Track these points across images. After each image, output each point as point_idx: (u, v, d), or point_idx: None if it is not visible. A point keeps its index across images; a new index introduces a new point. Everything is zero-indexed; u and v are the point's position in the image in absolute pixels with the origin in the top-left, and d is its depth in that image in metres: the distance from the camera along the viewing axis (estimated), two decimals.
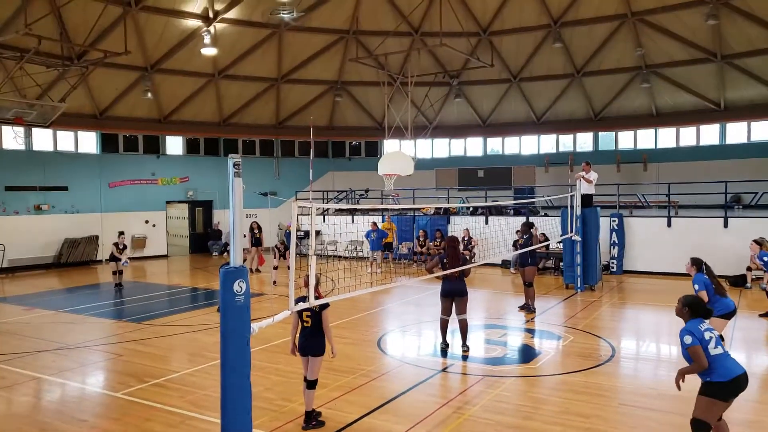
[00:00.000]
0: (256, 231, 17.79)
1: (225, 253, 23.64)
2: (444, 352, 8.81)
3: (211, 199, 25.36)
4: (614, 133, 26.83)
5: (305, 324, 6.01)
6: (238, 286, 4.43)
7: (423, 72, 24.11)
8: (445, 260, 8.71)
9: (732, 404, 4.83)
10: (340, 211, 22.63)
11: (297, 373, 7.25)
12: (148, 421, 6.35)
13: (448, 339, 8.95)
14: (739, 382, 4.71)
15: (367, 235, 18.43)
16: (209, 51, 20.67)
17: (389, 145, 27.90)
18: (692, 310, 4.97)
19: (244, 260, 7.58)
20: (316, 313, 5.94)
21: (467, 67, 25.28)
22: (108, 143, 23.00)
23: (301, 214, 20.71)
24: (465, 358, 8.55)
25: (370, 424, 6.19)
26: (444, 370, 8.13)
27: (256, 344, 8.43)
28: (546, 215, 19.43)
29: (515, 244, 17.83)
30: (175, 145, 25.13)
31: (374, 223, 18.61)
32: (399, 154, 21.89)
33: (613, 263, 16.88)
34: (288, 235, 19.38)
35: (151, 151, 24.13)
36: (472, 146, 29.40)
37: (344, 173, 28.64)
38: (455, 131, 28.53)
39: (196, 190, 24.87)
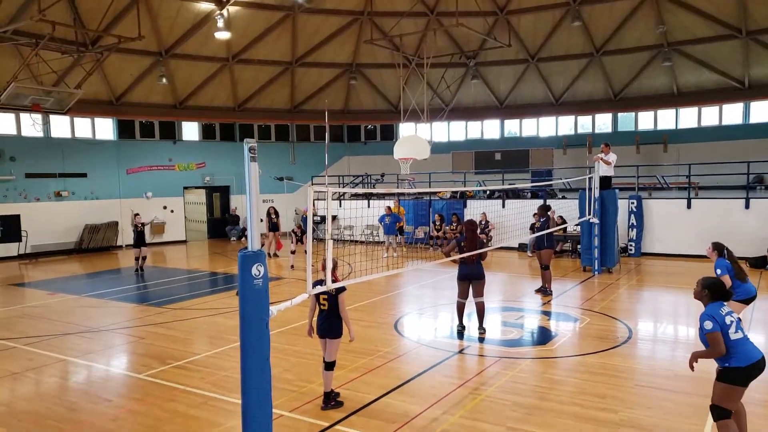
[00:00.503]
0: (273, 216, 17.93)
1: (243, 238, 23.89)
2: (461, 334, 8.86)
3: (228, 184, 25.55)
4: (634, 113, 26.38)
5: (322, 307, 6.08)
6: (256, 270, 4.48)
7: (439, 53, 23.89)
8: (462, 243, 8.74)
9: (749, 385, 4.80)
10: (356, 196, 22.68)
11: (315, 354, 7.37)
12: (171, 401, 6.51)
13: (465, 322, 9.00)
14: (758, 366, 4.64)
15: (381, 220, 18.48)
16: (223, 35, 20.67)
17: (405, 129, 27.81)
18: (712, 292, 4.86)
19: (262, 245, 7.65)
20: (333, 297, 5.99)
21: (484, 47, 24.98)
22: (124, 130, 23.22)
23: (317, 199, 20.85)
24: (481, 340, 8.59)
25: (387, 404, 6.27)
26: (461, 351, 8.18)
27: (275, 327, 8.56)
28: (564, 198, 19.28)
29: (532, 228, 17.75)
30: (191, 130, 25.28)
31: (388, 208, 18.65)
32: (415, 138, 21.81)
33: (631, 245, 16.73)
34: (305, 219, 19.51)
35: (167, 137, 24.33)
36: (489, 128, 29.14)
37: (360, 158, 28.62)
38: (472, 113, 28.29)
39: (213, 176, 25.07)
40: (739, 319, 4.87)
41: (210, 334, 9.41)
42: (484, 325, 8.82)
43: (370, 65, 26.28)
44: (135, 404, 6.52)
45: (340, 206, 22.53)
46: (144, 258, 16.12)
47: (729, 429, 4.63)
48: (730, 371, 4.63)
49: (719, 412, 4.67)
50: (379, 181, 24.68)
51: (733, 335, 4.63)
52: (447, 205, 20.58)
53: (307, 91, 26.40)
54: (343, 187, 24.45)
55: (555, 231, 16.32)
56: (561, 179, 20.19)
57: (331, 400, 6.16)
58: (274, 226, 17.88)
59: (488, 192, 21.63)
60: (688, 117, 25.31)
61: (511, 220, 17.78)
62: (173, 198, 23.98)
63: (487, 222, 18.41)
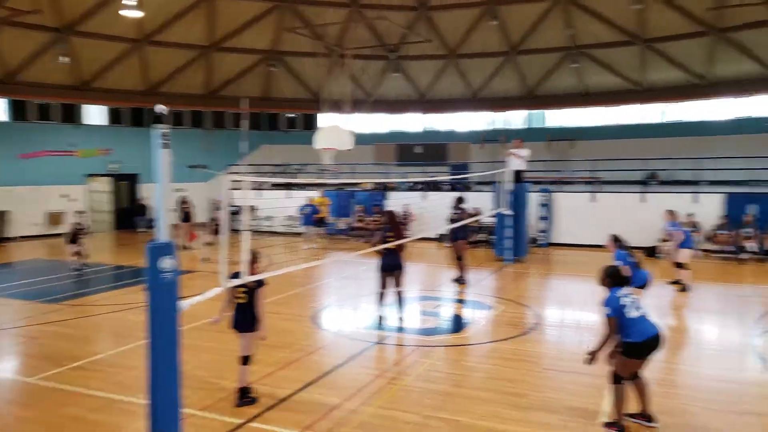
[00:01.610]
0: (185, 206, 17.20)
1: (152, 229, 22.74)
2: (380, 324, 8.94)
3: (137, 172, 24.23)
4: (545, 111, 27.66)
5: (240, 300, 5.91)
6: (166, 262, 4.27)
7: (361, 45, 23.83)
8: (388, 233, 8.84)
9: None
10: (275, 186, 22.23)
11: (229, 350, 7.14)
12: (67, 406, 6.03)
13: (385, 312, 9.08)
14: (651, 342, 5.15)
15: (301, 210, 18.25)
16: (132, 13, 19.42)
17: (327, 119, 27.55)
18: (612, 279, 5.38)
19: (176, 237, 7.31)
20: (252, 291, 5.85)
21: (406, 41, 25.18)
22: (19, 111, 21.39)
23: (234, 189, 20.24)
24: (400, 329, 8.71)
25: (304, 397, 6.21)
26: (379, 342, 8.24)
27: (187, 322, 8.20)
28: (480, 191, 19.90)
29: (450, 219, 18.19)
30: (96, 114, 23.73)
31: (311, 199, 18.43)
32: (337, 128, 21.65)
33: (541, 236, 17.56)
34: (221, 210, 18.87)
35: (69, 120, 22.69)
36: (411, 122, 29.51)
37: (280, 147, 28.08)
38: (394, 106, 28.50)
39: (120, 163, 23.68)
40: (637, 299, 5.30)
41: (114, 332, 8.90)
42: (403, 315, 8.95)
43: (292, 53, 25.77)
44: (24, 410, 6.01)
45: (260, 196, 22.02)
46: (80, 254, 14.12)
47: (620, 392, 5.25)
48: (627, 345, 5.16)
49: (614, 378, 5.29)
50: (300, 171, 24.34)
51: (630, 314, 5.16)
52: (369, 197, 20.65)
53: (224, 76, 25.49)
54: (262, 177, 23.90)
55: (469, 222, 16.84)
56: (477, 173, 20.84)
57: (245, 395, 6.01)
58: (186, 217, 17.17)
59: (409, 184, 21.94)
60: (592, 116, 26.88)
61: (431, 211, 18.17)
62: (74, 186, 22.41)
63: (407, 213, 18.68)
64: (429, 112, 28.77)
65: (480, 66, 26.30)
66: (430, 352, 7.66)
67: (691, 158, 17.66)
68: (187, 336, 5.51)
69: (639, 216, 16.43)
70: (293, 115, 29.05)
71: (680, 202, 15.86)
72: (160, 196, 4.36)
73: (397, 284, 8.92)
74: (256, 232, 20.40)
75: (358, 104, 25.65)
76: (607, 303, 5.21)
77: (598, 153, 22.31)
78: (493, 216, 15.39)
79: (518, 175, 14.87)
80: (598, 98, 25.86)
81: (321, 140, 20.09)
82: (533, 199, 16.68)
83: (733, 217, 14.95)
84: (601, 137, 25.68)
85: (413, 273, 13.81)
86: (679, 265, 11.35)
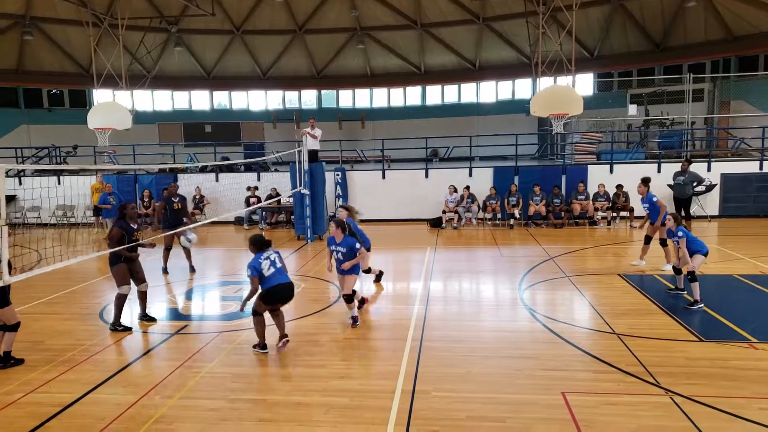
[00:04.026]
0: None
1: None
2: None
3: None
4: (336, 91, 28.47)
5: None
6: None
7: (136, 15, 21.76)
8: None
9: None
10: (41, 172, 19.38)
11: None
12: None
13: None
14: (276, 290, 6.60)
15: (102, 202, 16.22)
16: None
17: (101, 96, 24.72)
18: (256, 246, 6.74)
19: None
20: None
21: (186, 14, 23.67)
22: None
23: None
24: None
25: (95, 399, 5.65)
26: (178, 332, 7.81)
27: None
28: (276, 170, 19.80)
29: (247, 201, 17.84)
30: None
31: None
32: (113, 106, 19.64)
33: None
34: None
35: None
36: (198, 100, 28.01)
37: (44, 126, 24.58)
38: (178, 83, 26.73)
39: None
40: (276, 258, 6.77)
41: None
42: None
43: (50, 20, 22.51)
44: None
45: (21, 184, 19.00)
46: None
47: (259, 324, 6.84)
48: (263, 292, 6.62)
49: (253, 313, 6.82)
50: (71, 155, 21.55)
51: (266, 272, 6.59)
52: (156, 180, 19.13)
53: None
54: (24, 161, 20.68)
55: (269, 204, 16.73)
56: (273, 152, 20.69)
57: (8, 359, 6.42)
58: None
59: (201, 166, 20.88)
60: (380, 97, 28.50)
61: (226, 194, 17.56)
62: None
63: (201, 196, 17.81)
64: (216, 89, 27.64)
65: (268, 44, 26.01)
66: (232, 337, 7.51)
67: (465, 136, 19.79)
68: None
69: (424, 190, 17.97)
70: (58, 91, 25.51)
71: (459, 176, 17.73)
72: None
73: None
74: (21, 226, 17.69)
75: (137, 80, 23.52)
76: (250, 265, 6.59)
77: (387, 132, 23.82)
78: (291, 196, 15.49)
79: (313, 155, 15.14)
80: (383, 79, 27.48)
81: (95, 119, 18.09)
82: (329, 177, 17.16)
83: (500, 188, 17.20)
84: (388, 117, 27.40)
85: (212, 258, 13.33)
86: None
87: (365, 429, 4.97)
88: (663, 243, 10.46)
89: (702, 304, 8.10)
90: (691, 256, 8.30)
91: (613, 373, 6.00)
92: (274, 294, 6.61)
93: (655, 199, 10.73)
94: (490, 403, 5.38)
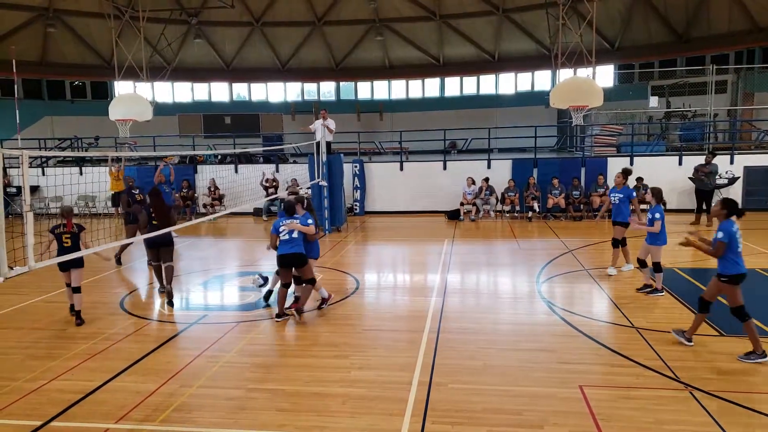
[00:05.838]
0: None
1: None
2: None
3: None
4: (354, 83, 28.44)
5: (65, 244, 7.57)
6: None
7: (156, 7, 21.93)
8: (151, 212, 8.67)
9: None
10: (63, 162, 19.71)
11: (17, 348, 6.35)
12: None
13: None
14: (280, 257, 7.58)
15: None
16: None
17: (122, 87, 25.01)
18: (285, 210, 7.75)
19: None
20: (76, 235, 7.65)
21: (207, 6, 23.80)
22: None
23: (10, 167, 17.48)
24: (171, 304, 8.57)
25: (116, 387, 5.75)
26: (197, 322, 7.92)
27: None
28: (295, 162, 19.87)
29: (266, 190, 17.94)
30: None
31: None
32: (134, 97, 19.85)
33: (356, 205, 18.23)
34: None
35: None
36: (218, 91, 28.19)
37: (67, 118, 24.94)
38: (198, 74, 26.92)
39: None
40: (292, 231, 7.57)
41: None
42: (169, 286, 8.72)
43: (73, 12, 22.79)
44: None
45: (44, 174, 19.36)
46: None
47: (282, 293, 7.74)
48: (277, 257, 7.72)
49: (282, 285, 7.81)
50: (93, 145, 21.87)
51: (282, 237, 7.59)
52: (176, 171, 19.26)
53: None
54: (47, 151, 21.03)
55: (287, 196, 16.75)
56: (291, 144, 20.77)
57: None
58: None
59: (220, 157, 21.05)
60: (398, 89, 28.40)
61: (244, 184, 17.69)
62: None
63: (215, 188, 17.97)
64: (236, 81, 27.78)
65: (287, 35, 26.03)
66: (251, 327, 7.59)
67: (484, 128, 19.64)
68: None
69: (442, 182, 17.90)
70: (80, 83, 25.86)
71: (477, 168, 17.63)
72: None
73: (166, 259, 8.76)
74: (44, 215, 18.06)
75: (157, 72, 23.74)
76: (274, 223, 7.71)
77: (404, 124, 23.72)
78: (309, 188, 15.54)
79: (328, 147, 15.16)
80: (402, 71, 27.36)
81: (116, 110, 18.31)
82: (347, 169, 17.19)
83: (519, 181, 17.07)
84: (406, 109, 27.30)
85: (230, 249, 13.44)
86: None
87: (382, 420, 4.99)
88: (615, 244, 9.68)
89: (663, 293, 8.37)
90: (651, 245, 8.35)
91: (632, 367, 5.94)
92: (279, 258, 7.66)
93: (634, 195, 9.69)
94: (507, 396, 5.36)
